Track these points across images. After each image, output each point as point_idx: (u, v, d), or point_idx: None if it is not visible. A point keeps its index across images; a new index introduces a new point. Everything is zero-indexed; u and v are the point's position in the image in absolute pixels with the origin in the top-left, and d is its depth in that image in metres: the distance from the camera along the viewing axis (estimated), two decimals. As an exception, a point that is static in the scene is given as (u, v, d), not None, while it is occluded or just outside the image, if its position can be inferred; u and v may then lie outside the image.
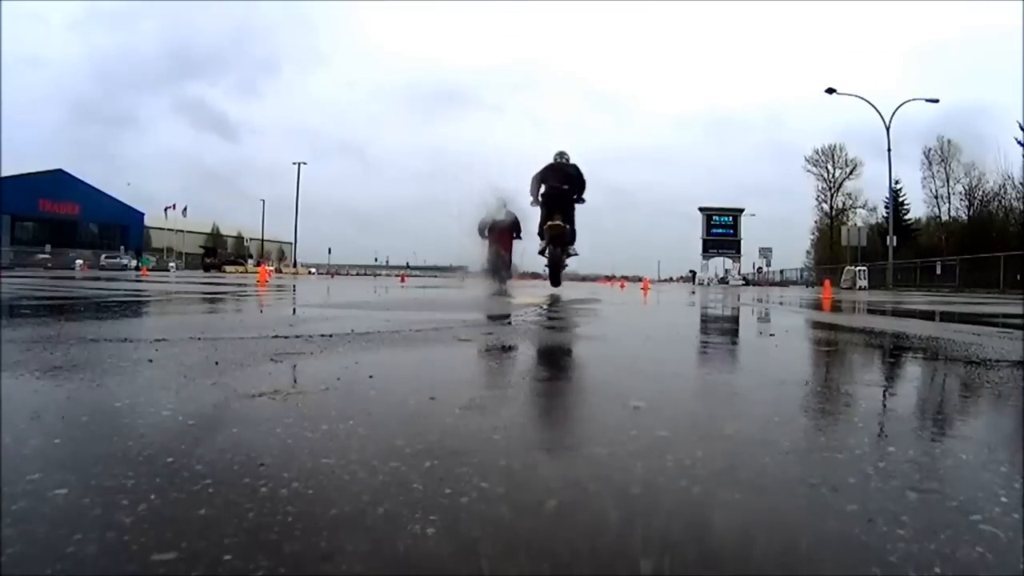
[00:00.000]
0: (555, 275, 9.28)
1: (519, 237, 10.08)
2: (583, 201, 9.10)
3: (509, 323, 3.61)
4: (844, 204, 45.91)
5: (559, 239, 8.86)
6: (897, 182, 35.22)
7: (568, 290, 10.76)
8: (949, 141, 38.60)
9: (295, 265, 54.63)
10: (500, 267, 9.97)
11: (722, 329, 4.36)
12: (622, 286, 20.38)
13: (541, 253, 9.27)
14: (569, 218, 8.96)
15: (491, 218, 9.93)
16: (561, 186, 8.85)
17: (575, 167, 9.11)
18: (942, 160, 38.81)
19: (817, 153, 46.74)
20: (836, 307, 7.29)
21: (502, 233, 9.92)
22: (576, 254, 9.51)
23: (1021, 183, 33.21)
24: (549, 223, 8.69)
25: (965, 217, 37.45)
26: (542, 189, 8.98)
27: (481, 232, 9.98)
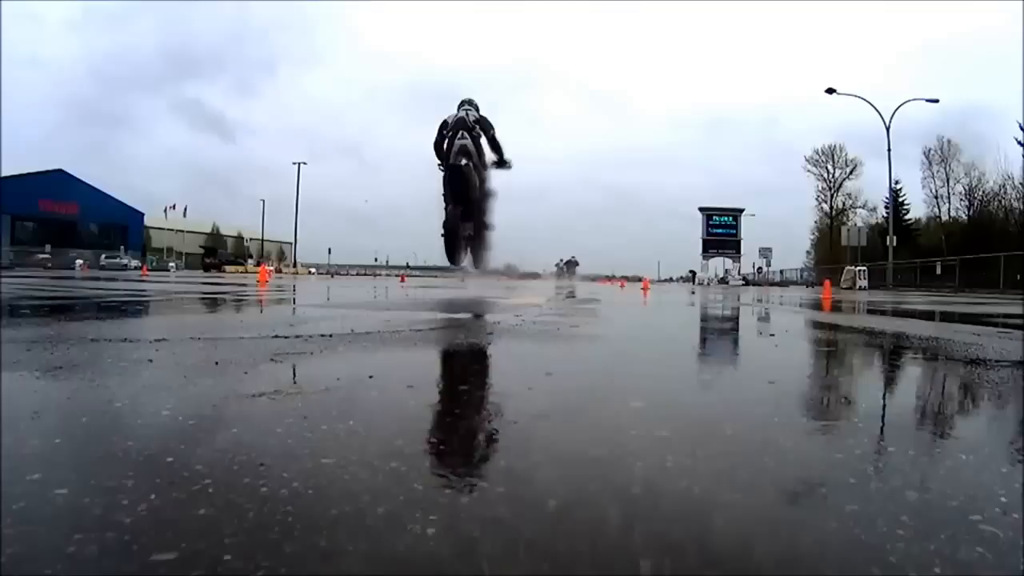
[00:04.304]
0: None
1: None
2: (578, 265, 34.27)
3: (509, 324, 3.61)
4: (844, 204, 45.80)
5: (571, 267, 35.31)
6: (897, 182, 35.19)
7: (561, 294, 11.86)
8: (949, 141, 38.50)
9: (295, 265, 54.54)
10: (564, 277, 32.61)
11: (722, 329, 4.36)
12: (622, 286, 20.37)
13: None
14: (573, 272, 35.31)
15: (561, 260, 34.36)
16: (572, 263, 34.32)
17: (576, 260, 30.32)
18: (942, 160, 38.74)
19: (817, 153, 46.63)
20: (836, 307, 7.29)
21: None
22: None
23: (1021, 183, 33.17)
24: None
25: (965, 217, 37.39)
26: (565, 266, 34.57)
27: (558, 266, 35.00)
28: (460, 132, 6.47)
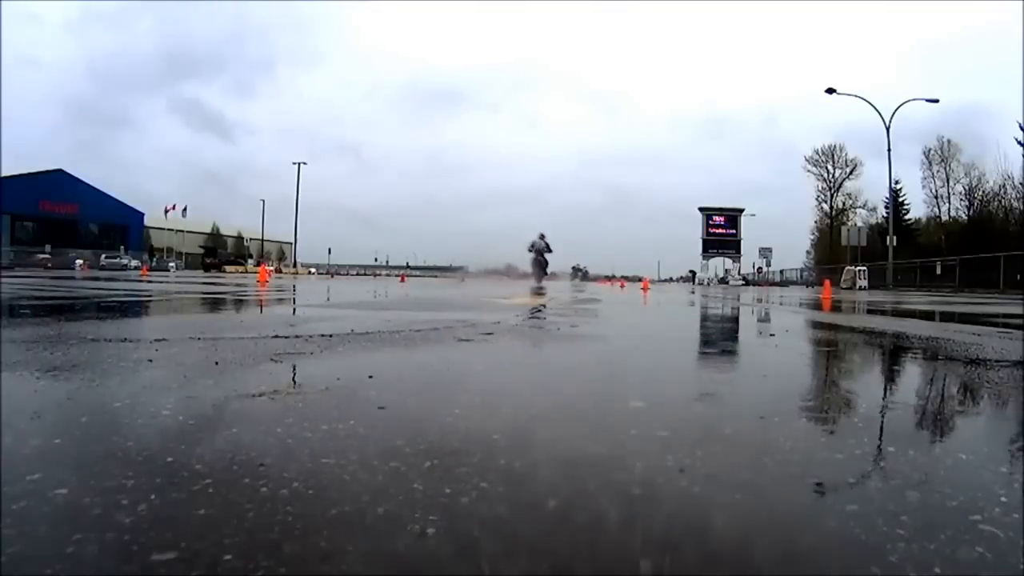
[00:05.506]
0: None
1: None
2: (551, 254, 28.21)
3: (509, 323, 3.61)
4: (844, 204, 45.75)
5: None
6: (897, 182, 35.16)
7: (570, 291, 12.29)
8: (949, 141, 38.46)
9: (295, 265, 54.53)
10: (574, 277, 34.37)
11: (723, 329, 4.36)
12: (622, 286, 20.36)
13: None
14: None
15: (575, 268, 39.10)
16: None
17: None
18: (942, 160, 38.70)
19: (817, 153, 46.57)
20: (836, 307, 7.29)
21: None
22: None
23: (1021, 183, 33.15)
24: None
25: (965, 217, 37.37)
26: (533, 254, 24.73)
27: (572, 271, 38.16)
28: (538, 253, 16.67)
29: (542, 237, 16.81)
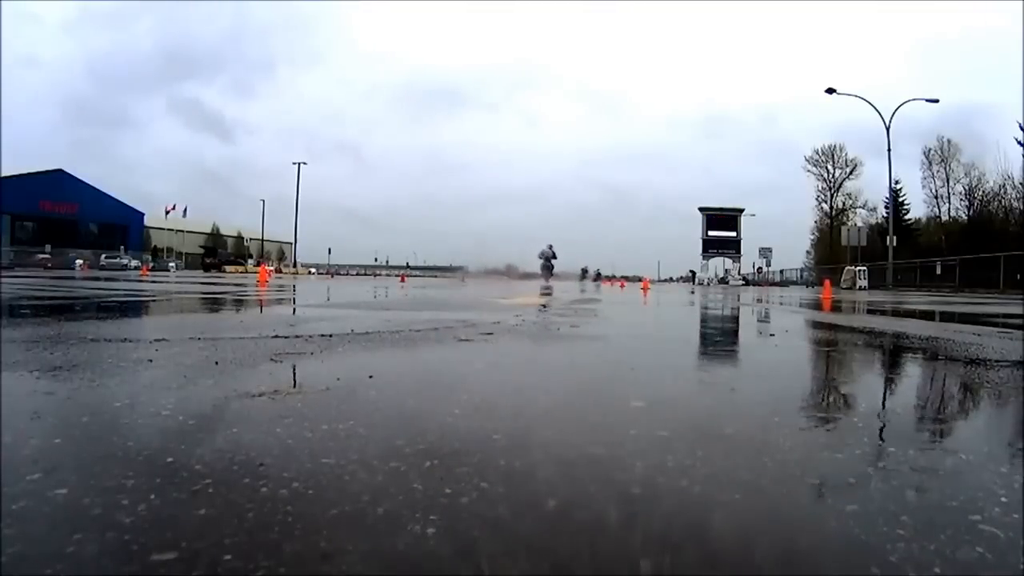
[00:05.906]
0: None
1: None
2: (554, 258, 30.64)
3: (509, 324, 3.61)
4: (844, 204, 45.68)
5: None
6: (897, 182, 35.10)
7: (572, 292, 12.41)
8: (949, 141, 38.41)
9: (295, 265, 54.50)
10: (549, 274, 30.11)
11: (722, 329, 4.36)
12: (622, 286, 20.36)
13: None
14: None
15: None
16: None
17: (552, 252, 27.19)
18: (942, 160, 38.66)
19: (817, 153, 46.51)
20: (836, 307, 7.29)
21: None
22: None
23: (1021, 183, 33.11)
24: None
25: (965, 217, 37.35)
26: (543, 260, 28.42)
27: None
28: (547, 260, 23.15)
29: (550, 247, 22.80)
